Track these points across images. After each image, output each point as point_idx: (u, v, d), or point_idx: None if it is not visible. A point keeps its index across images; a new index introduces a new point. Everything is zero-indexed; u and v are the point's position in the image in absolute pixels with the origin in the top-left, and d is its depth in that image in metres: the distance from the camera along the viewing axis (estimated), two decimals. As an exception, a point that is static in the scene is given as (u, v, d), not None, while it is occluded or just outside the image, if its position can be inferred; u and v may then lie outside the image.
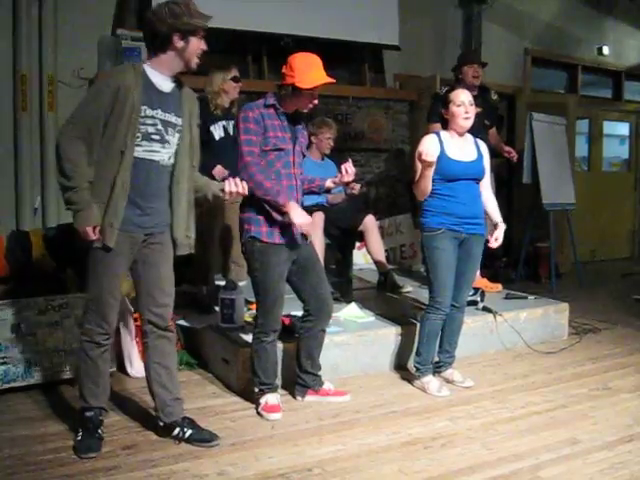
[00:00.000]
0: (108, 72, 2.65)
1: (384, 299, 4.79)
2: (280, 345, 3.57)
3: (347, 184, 3.35)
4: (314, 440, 2.97)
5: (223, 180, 4.26)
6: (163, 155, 2.73)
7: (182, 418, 2.91)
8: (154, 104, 2.66)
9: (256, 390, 3.30)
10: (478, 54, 5.16)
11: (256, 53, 6.24)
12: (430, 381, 3.60)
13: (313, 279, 3.29)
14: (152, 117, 2.65)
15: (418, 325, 4.01)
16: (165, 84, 2.72)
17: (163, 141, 2.71)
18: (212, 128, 4.38)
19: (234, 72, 4.40)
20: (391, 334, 3.97)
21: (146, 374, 2.93)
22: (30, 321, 3.47)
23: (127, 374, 3.77)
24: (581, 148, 8.54)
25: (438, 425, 3.15)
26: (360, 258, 5.75)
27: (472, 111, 3.51)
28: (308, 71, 3.10)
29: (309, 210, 4.46)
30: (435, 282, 3.52)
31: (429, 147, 3.39)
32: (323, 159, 5.03)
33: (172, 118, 2.73)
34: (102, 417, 2.88)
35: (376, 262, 5.07)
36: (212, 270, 4.54)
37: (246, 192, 2.86)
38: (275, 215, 3.13)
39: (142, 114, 2.62)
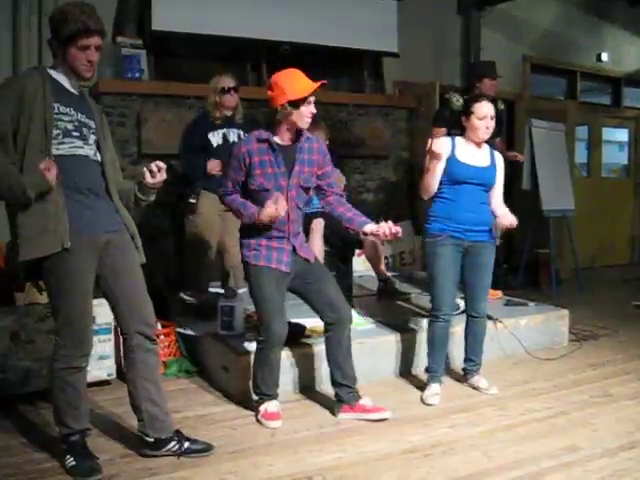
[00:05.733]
0: (11, 78, 2.55)
1: (384, 306, 4.78)
2: (288, 353, 3.60)
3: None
4: (314, 448, 2.96)
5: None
6: (88, 151, 2.64)
7: (175, 431, 2.84)
8: (66, 102, 2.59)
9: (255, 398, 3.29)
10: (495, 66, 5.13)
11: (255, 61, 6.25)
12: (428, 387, 3.60)
13: (322, 291, 3.22)
14: (67, 114, 2.58)
15: (417, 332, 4.03)
16: (72, 86, 2.65)
17: (83, 137, 2.63)
18: (210, 135, 4.41)
19: (222, 84, 4.40)
20: (391, 341, 3.96)
21: (131, 390, 2.79)
22: (29, 328, 3.46)
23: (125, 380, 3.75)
24: (580, 154, 8.54)
25: (438, 432, 3.14)
26: (359, 265, 5.74)
27: (492, 125, 3.48)
28: (296, 82, 3.06)
29: (309, 216, 4.47)
30: (434, 289, 3.53)
31: (439, 142, 3.41)
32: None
33: (85, 119, 2.66)
34: (87, 437, 2.74)
35: (375, 269, 5.06)
36: (203, 278, 4.54)
37: (163, 166, 2.70)
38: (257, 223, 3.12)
39: (56, 111, 2.54)
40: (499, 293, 5.13)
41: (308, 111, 3.08)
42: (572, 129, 7.46)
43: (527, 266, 6.76)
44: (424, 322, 4.12)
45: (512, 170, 6.38)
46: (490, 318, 4.32)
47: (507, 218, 3.57)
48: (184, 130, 4.53)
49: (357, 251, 5.36)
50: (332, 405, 3.37)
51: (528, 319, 4.51)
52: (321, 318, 3.28)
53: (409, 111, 6.94)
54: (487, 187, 3.54)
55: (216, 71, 4.63)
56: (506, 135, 7.78)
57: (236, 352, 3.62)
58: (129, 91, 5.41)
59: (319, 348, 3.71)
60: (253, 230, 3.17)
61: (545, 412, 3.39)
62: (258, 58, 6.23)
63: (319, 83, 3.07)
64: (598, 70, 8.78)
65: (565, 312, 4.73)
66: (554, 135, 6.83)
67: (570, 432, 3.13)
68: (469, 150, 3.51)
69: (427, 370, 3.65)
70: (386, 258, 5.82)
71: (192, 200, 4.35)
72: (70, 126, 2.59)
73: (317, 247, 4.55)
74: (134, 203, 2.83)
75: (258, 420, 3.23)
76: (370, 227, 3.18)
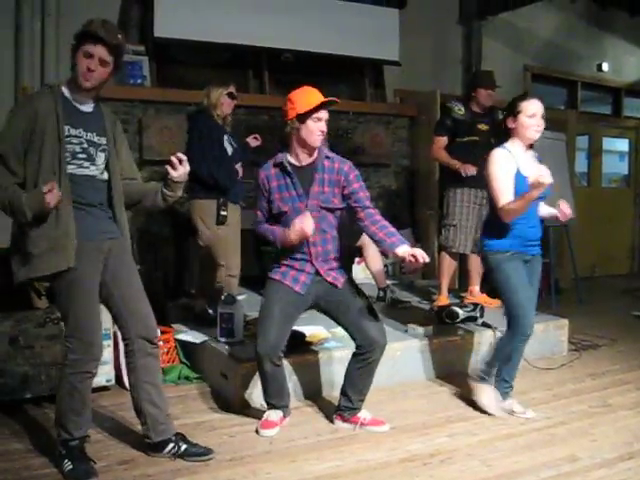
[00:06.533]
0: (25, 97, 2.58)
1: (383, 314, 4.76)
2: (289, 360, 3.57)
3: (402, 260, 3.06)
4: (312, 456, 2.95)
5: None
6: (95, 171, 2.68)
7: (174, 434, 2.88)
8: (76, 124, 2.62)
9: (265, 405, 3.29)
10: (493, 76, 5.06)
11: (257, 68, 6.27)
12: (485, 390, 3.43)
13: (351, 317, 3.15)
14: (76, 136, 2.61)
15: (415, 341, 4.02)
16: (84, 104, 2.67)
17: (90, 159, 2.65)
18: (224, 143, 4.40)
19: (231, 88, 4.43)
20: (390, 349, 3.91)
21: (133, 395, 2.84)
22: (28, 334, 3.46)
23: (124, 387, 3.74)
24: (581, 164, 8.55)
25: (437, 441, 3.13)
26: (359, 273, 5.75)
27: (543, 124, 3.30)
28: (306, 97, 3.10)
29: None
30: (517, 307, 3.29)
31: (540, 170, 3.10)
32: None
33: (95, 138, 2.68)
34: (85, 442, 2.77)
35: (375, 277, 5.07)
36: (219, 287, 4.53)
37: (184, 157, 2.74)
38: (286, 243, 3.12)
39: (66, 133, 2.57)
40: (498, 302, 5.11)
41: (317, 128, 3.08)
42: (572, 139, 7.47)
43: (527, 275, 6.74)
44: (422, 330, 4.13)
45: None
46: (489, 327, 4.33)
47: (565, 206, 3.39)
48: (203, 138, 4.32)
49: (356, 259, 5.38)
50: (332, 413, 3.36)
51: (527, 328, 4.49)
52: (353, 339, 3.21)
53: (410, 119, 6.96)
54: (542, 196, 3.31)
55: (217, 79, 4.61)
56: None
57: (235, 359, 3.61)
58: (131, 97, 5.44)
59: (322, 355, 3.71)
60: (282, 250, 3.19)
61: (544, 422, 3.38)
62: (260, 65, 6.25)
63: (328, 98, 3.08)
64: (599, 80, 8.80)
65: (564, 321, 4.73)
66: (554, 144, 6.83)
67: (569, 442, 3.12)
68: (527, 159, 3.32)
69: (484, 373, 3.43)
70: (386, 266, 5.82)
71: (223, 212, 4.36)
72: (78, 148, 2.62)
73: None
74: (162, 201, 2.84)
75: (256, 428, 3.21)
76: (401, 250, 2.97)
